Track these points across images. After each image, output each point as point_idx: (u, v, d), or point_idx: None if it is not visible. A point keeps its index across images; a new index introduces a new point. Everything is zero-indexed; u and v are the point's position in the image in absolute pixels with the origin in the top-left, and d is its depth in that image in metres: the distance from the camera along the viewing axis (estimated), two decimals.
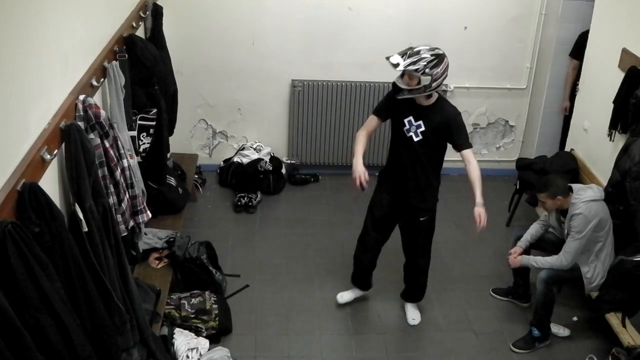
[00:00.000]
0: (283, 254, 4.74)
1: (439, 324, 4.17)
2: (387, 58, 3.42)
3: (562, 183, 3.80)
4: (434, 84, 3.44)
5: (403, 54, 3.42)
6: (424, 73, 3.38)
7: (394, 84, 3.52)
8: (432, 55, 3.41)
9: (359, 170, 3.58)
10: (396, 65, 3.39)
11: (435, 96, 3.62)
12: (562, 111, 5.46)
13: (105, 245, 2.70)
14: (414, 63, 3.38)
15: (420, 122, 3.59)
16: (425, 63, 3.38)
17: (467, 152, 3.65)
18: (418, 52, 3.41)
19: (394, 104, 3.63)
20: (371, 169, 3.84)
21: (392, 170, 3.84)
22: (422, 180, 3.75)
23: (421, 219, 3.87)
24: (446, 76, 3.50)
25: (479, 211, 3.58)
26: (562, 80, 5.42)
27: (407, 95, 3.49)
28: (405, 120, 3.62)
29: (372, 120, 3.79)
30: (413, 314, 4.20)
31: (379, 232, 4.00)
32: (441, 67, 3.42)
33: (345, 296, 4.28)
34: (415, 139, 3.62)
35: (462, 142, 3.65)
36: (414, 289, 4.19)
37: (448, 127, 3.60)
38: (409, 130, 3.62)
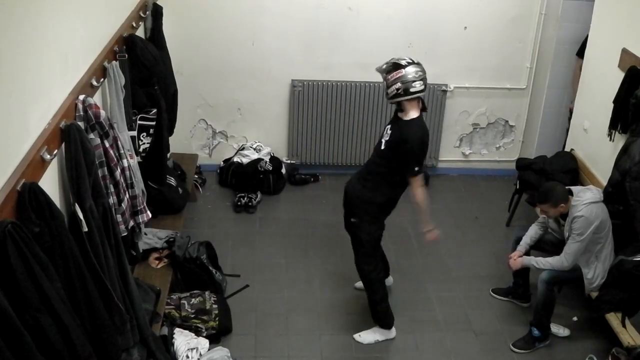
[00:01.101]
0: (283, 254, 4.74)
1: (439, 324, 4.17)
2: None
3: (561, 189, 3.78)
4: (388, 90, 3.57)
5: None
6: (384, 77, 3.59)
7: None
8: (393, 62, 3.56)
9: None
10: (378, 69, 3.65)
11: (411, 115, 3.59)
12: (569, 111, 5.45)
13: (105, 245, 2.70)
14: (385, 66, 3.60)
15: (391, 131, 3.67)
16: (384, 67, 3.59)
17: (410, 180, 3.65)
18: (392, 59, 3.60)
19: None
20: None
21: None
22: (362, 181, 3.79)
23: (352, 219, 3.85)
24: (400, 87, 3.50)
25: (432, 236, 3.86)
26: (562, 80, 5.42)
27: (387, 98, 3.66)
28: (387, 127, 3.74)
29: None
30: (364, 333, 4.03)
31: None
32: (393, 75, 3.53)
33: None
34: (382, 146, 3.70)
35: (406, 169, 3.62)
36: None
37: (397, 148, 3.61)
38: (382, 136, 3.73)
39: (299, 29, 5.31)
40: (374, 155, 3.80)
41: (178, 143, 5.27)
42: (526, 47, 5.54)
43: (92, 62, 3.13)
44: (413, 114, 3.58)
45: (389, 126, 3.71)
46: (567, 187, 3.83)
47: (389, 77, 3.54)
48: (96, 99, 3.11)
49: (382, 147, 3.69)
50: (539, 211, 4.14)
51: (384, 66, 3.58)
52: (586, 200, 3.71)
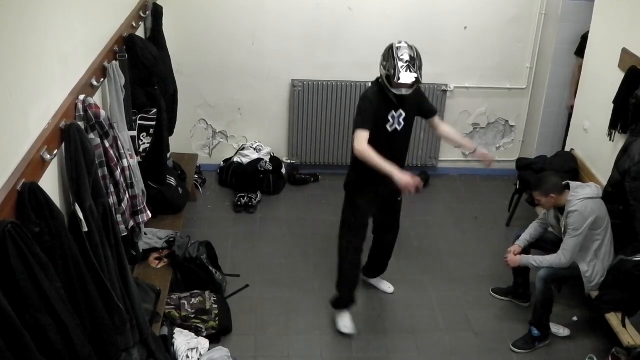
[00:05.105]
0: (283, 254, 4.74)
1: (439, 324, 4.17)
2: (400, 82, 3.51)
3: (555, 180, 3.80)
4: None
5: (408, 68, 3.51)
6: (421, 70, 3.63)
7: (393, 84, 3.55)
8: (418, 53, 3.58)
9: (412, 178, 3.53)
10: (416, 82, 3.54)
11: None
12: (568, 109, 5.46)
13: (105, 245, 2.70)
14: (420, 69, 3.57)
15: (400, 110, 3.71)
16: (420, 66, 3.58)
17: (437, 118, 3.97)
18: (415, 59, 3.54)
19: (373, 109, 3.66)
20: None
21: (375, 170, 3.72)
22: (403, 164, 3.90)
23: (399, 199, 4.06)
24: None
25: (482, 151, 4.01)
26: (562, 80, 5.42)
27: (409, 91, 3.60)
28: (389, 116, 3.69)
29: (366, 134, 3.62)
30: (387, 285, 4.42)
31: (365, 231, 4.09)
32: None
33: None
34: (399, 128, 3.74)
35: (431, 107, 3.99)
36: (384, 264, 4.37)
37: (419, 102, 3.84)
38: (392, 124, 3.71)
39: (299, 29, 5.31)
40: (398, 144, 3.82)
41: (178, 143, 5.27)
42: (526, 47, 5.54)
43: (92, 62, 3.13)
44: None
45: (392, 113, 3.67)
46: (566, 182, 3.84)
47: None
48: (96, 99, 3.11)
49: (402, 127, 3.73)
50: (540, 210, 4.15)
51: (420, 62, 3.58)
52: (582, 196, 3.71)
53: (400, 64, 3.50)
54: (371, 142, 3.63)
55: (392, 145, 3.76)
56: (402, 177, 3.49)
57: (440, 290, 4.46)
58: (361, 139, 3.60)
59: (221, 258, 4.44)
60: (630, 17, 4.17)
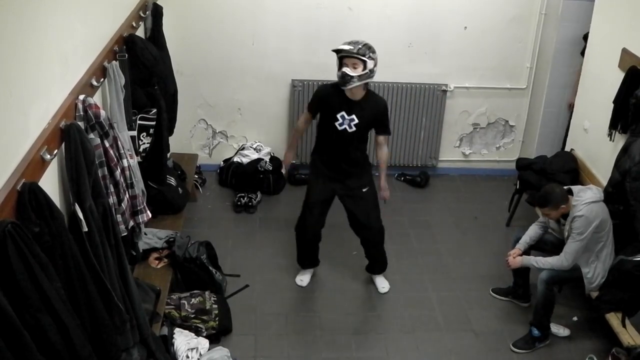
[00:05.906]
0: (283, 254, 4.74)
1: (439, 324, 4.17)
2: (337, 50, 3.77)
3: (560, 191, 3.78)
4: (375, 69, 3.78)
5: (348, 44, 3.74)
6: (369, 57, 3.73)
7: (342, 76, 3.79)
8: (368, 44, 3.76)
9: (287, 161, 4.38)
10: (349, 51, 3.71)
11: (364, 91, 3.92)
12: (568, 107, 5.46)
13: (105, 245, 2.70)
14: (362, 47, 3.72)
15: (353, 116, 3.90)
16: (367, 48, 3.74)
17: (383, 138, 4.09)
18: (357, 41, 3.75)
19: (319, 100, 4.05)
20: None
21: (324, 157, 4.12)
22: (357, 162, 4.10)
23: (363, 190, 4.13)
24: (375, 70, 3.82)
25: (386, 194, 4.21)
26: (562, 79, 5.42)
27: (356, 82, 3.77)
28: (338, 115, 3.91)
29: (306, 114, 4.19)
30: (382, 283, 4.44)
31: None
32: (376, 53, 3.77)
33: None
34: (350, 131, 3.93)
35: (386, 128, 4.10)
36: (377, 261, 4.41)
37: (377, 118, 4.00)
38: (341, 124, 3.92)
39: (299, 29, 5.31)
40: (344, 143, 3.98)
41: (178, 143, 5.27)
42: (526, 47, 5.54)
43: (92, 62, 3.12)
44: (365, 91, 3.92)
45: (342, 113, 3.89)
46: (567, 187, 3.84)
47: (376, 55, 3.75)
48: (96, 99, 3.11)
49: (352, 130, 3.92)
50: (540, 211, 4.14)
51: (366, 47, 3.74)
52: (586, 200, 3.71)
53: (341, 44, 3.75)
54: (322, 135, 4.07)
55: (340, 145, 4.00)
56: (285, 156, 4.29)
57: (440, 290, 4.46)
58: (301, 117, 4.32)
59: (221, 258, 4.44)
60: (630, 17, 4.17)
